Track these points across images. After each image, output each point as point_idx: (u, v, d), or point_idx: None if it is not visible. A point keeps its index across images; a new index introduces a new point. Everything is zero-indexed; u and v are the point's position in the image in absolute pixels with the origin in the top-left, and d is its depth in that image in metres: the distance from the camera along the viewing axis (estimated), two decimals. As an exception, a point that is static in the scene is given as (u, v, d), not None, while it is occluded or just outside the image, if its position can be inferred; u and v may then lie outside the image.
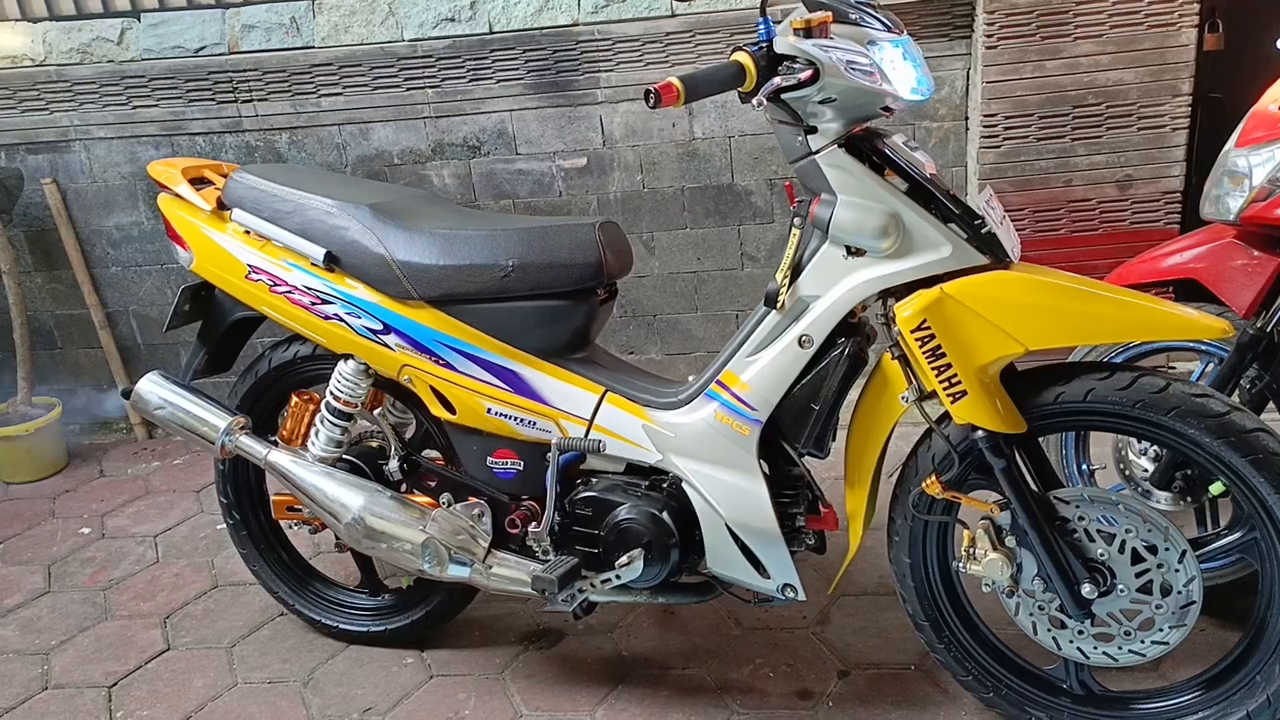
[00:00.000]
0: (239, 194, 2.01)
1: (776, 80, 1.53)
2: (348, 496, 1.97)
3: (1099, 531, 1.65)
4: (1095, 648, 1.70)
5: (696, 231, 3.20)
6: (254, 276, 1.98)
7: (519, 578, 1.94)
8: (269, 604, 2.49)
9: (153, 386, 2.07)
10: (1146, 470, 2.14)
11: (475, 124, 3.15)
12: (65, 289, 3.56)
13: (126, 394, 2.10)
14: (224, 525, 2.91)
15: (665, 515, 1.82)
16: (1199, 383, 1.62)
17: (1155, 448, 2.10)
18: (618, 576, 1.84)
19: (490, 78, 3.08)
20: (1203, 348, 2.10)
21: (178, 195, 2.08)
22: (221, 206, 2.06)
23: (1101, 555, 1.66)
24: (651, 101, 1.48)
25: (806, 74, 1.52)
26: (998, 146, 2.85)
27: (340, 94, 3.15)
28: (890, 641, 2.15)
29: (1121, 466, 2.19)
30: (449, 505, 2.00)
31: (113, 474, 3.44)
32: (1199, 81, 2.73)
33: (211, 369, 2.22)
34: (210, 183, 2.14)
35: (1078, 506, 1.66)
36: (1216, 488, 1.93)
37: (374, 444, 2.19)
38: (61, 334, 3.67)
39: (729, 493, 1.80)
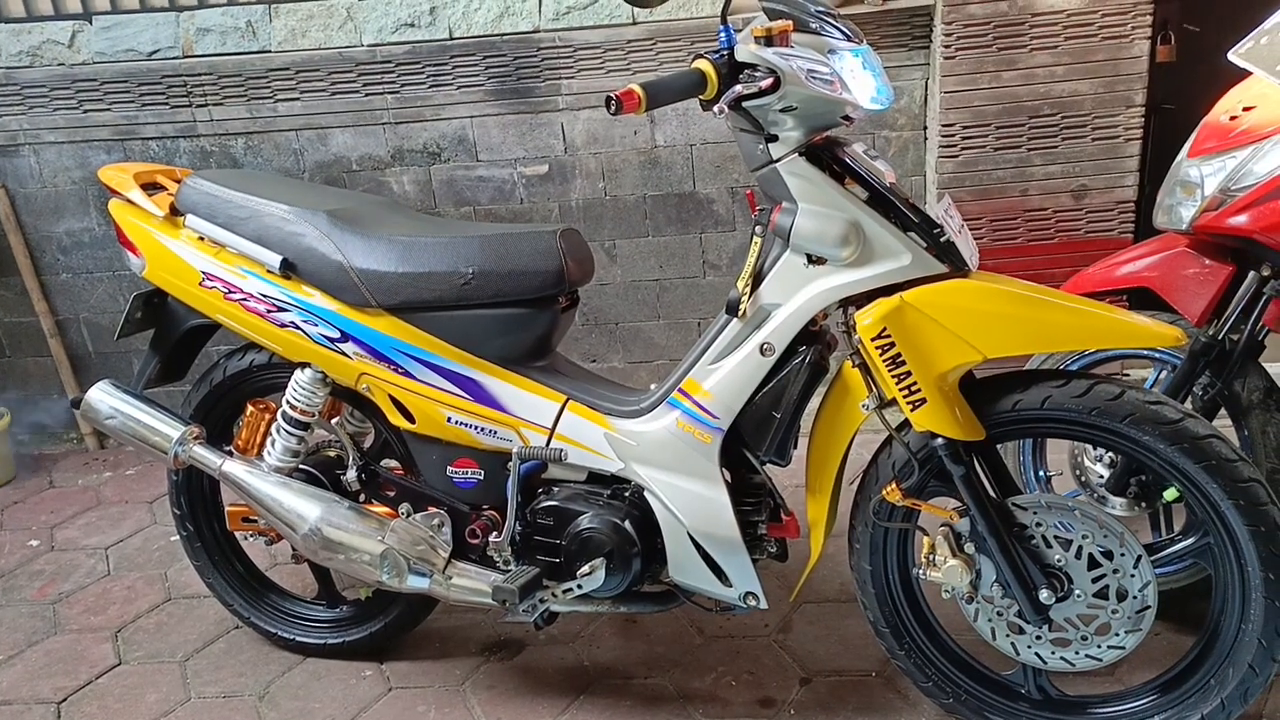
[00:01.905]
0: (193, 200, 1.97)
1: (738, 88, 1.53)
2: (304, 507, 1.94)
3: (1056, 538, 1.67)
4: (1053, 653, 1.72)
5: (658, 239, 3.20)
6: (208, 284, 1.95)
7: (480, 588, 1.92)
8: (224, 617, 2.45)
9: (103, 396, 2.03)
10: (1102, 476, 2.17)
11: (435, 130, 3.12)
12: (14, 296, 3.48)
13: (76, 404, 2.06)
14: (178, 537, 2.89)
15: (627, 524, 1.81)
16: (1153, 390, 1.64)
17: (1111, 454, 2.13)
18: (579, 586, 1.83)
19: (451, 84, 3.06)
20: (1156, 355, 2.13)
21: (129, 201, 2.03)
22: (175, 212, 2.02)
23: (1059, 561, 1.68)
24: (613, 108, 1.48)
25: (767, 82, 1.53)
26: (956, 156, 2.88)
27: (298, 99, 3.12)
28: (851, 648, 2.15)
29: (1078, 473, 2.22)
30: (408, 515, 1.97)
31: (63, 485, 3.37)
32: (1152, 92, 2.78)
33: (164, 378, 2.18)
34: (163, 188, 2.10)
35: (1035, 513, 1.68)
36: (1170, 493, 1.96)
37: (331, 453, 2.15)
38: (10, 342, 3.59)
39: (691, 501, 1.80)
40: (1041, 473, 2.28)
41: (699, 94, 1.56)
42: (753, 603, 1.83)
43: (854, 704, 1.99)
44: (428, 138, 3.13)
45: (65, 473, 3.46)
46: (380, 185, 3.20)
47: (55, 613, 2.57)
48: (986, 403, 1.68)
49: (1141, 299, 2.07)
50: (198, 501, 2.26)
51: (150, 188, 2.07)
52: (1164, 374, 2.14)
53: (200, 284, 1.96)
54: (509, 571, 1.91)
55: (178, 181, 2.11)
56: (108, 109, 3.18)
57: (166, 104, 3.15)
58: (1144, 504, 2.06)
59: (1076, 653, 1.70)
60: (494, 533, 1.92)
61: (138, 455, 3.56)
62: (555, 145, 3.11)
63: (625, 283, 3.26)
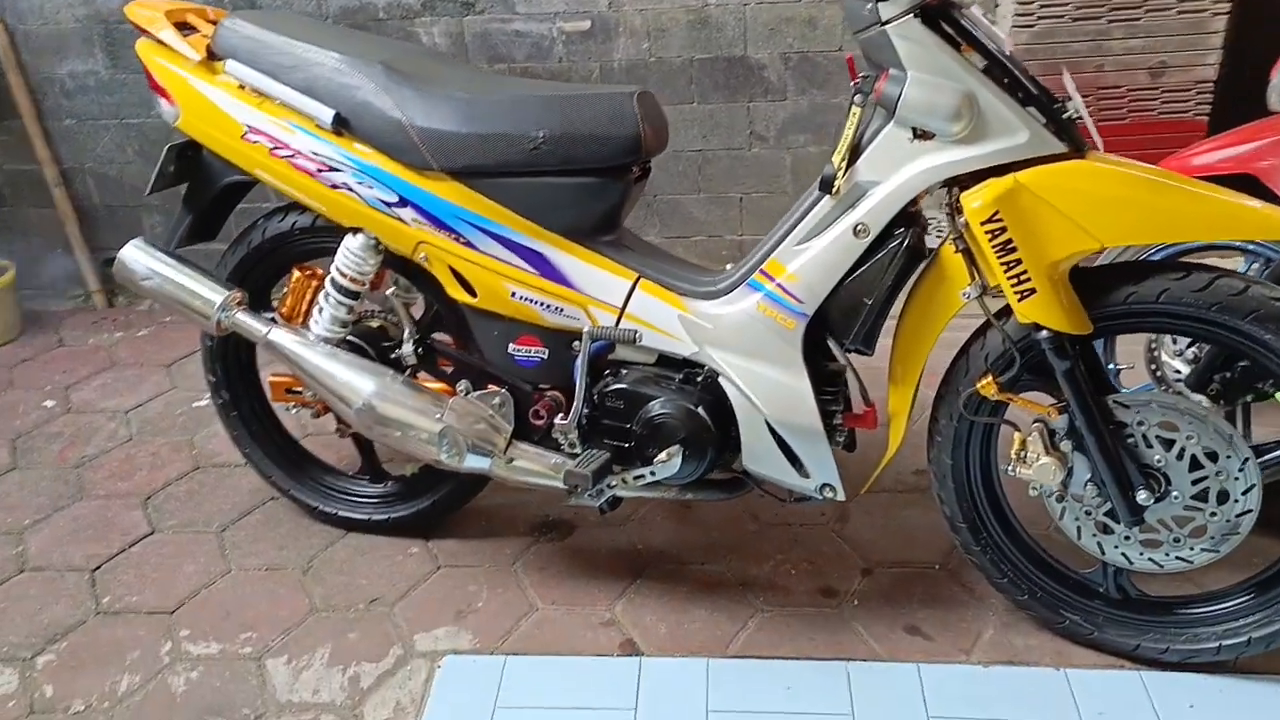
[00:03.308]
0: (232, 44, 1.80)
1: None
2: (359, 380, 1.83)
3: (1158, 437, 1.60)
4: (1141, 553, 1.67)
5: (704, 107, 3.02)
6: (251, 138, 1.80)
7: (543, 470, 1.84)
8: (258, 487, 2.38)
9: (138, 254, 1.89)
10: (1179, 372, 2.10)
11: (470, -24, 2.90)
12: (15, 141, 3.29)
13: (110, 263, 1.92)
14: (201, 403, 2.82)
15: (701, 410, 1.73)
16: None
17: (1194, 349, 2.05)
18: (652, 473, 1.75)
19: (488, -74, 2.83)
20: (1250, 247, 2.03)
21: (160, 41, 1.86)
22: (211, 57, 1.85)
23: (1158, 461, 1.61)
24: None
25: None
26: (1031, 26, 2.69)
27: (321, -63, 2.88)
28: (912, 540, 2.11)
29: (1153, 367, 2.14)
30: (466, 393, 1.88)
31: (73, 344, 3.26)
32: (1247, -35, 2.60)
33: (197, 236, 2.04)
34: (194, 29, 1.92)
35: (1138, 411, 1.60)
36: None
37: (375, 324, 2.05)
38: (11, 191, 3.41)
39: (770, 389, 1.71)
40: (1111, 365, 2.21)
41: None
42: (830, 494, 1.76)
43: (918, 596, 1.95)
44: (462, -15, 2.91)
45: (74, 331, 3.35)
46: (409, 37, 2.98)
47: (79, 477, 2.49)
48: (1096, 295, 1.57)
49: (1241, 188, 1.95)
50: (234, 368, 2.15)
51: (181, 28, 1.89)
52: (1255, 267, 2.05)
53: (243, 137, 1.80)
54: (574, 454, 1.83)
55: (212, 22, 1.94)
56: (112, -60, 2.93)
57: (177, -63, 2.90)
58: (1223, 402, 1.99)
59: (1166, 554, 1.65)
60: (559, 414, 1.83)
61: (150, 315, 3.44)
62: (599, -1, 2.90)
63: (666, 153, 3.08)
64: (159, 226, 3.41)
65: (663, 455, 1.72)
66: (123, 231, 3.40)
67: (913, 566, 2.03)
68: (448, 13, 2.95)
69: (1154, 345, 2.13)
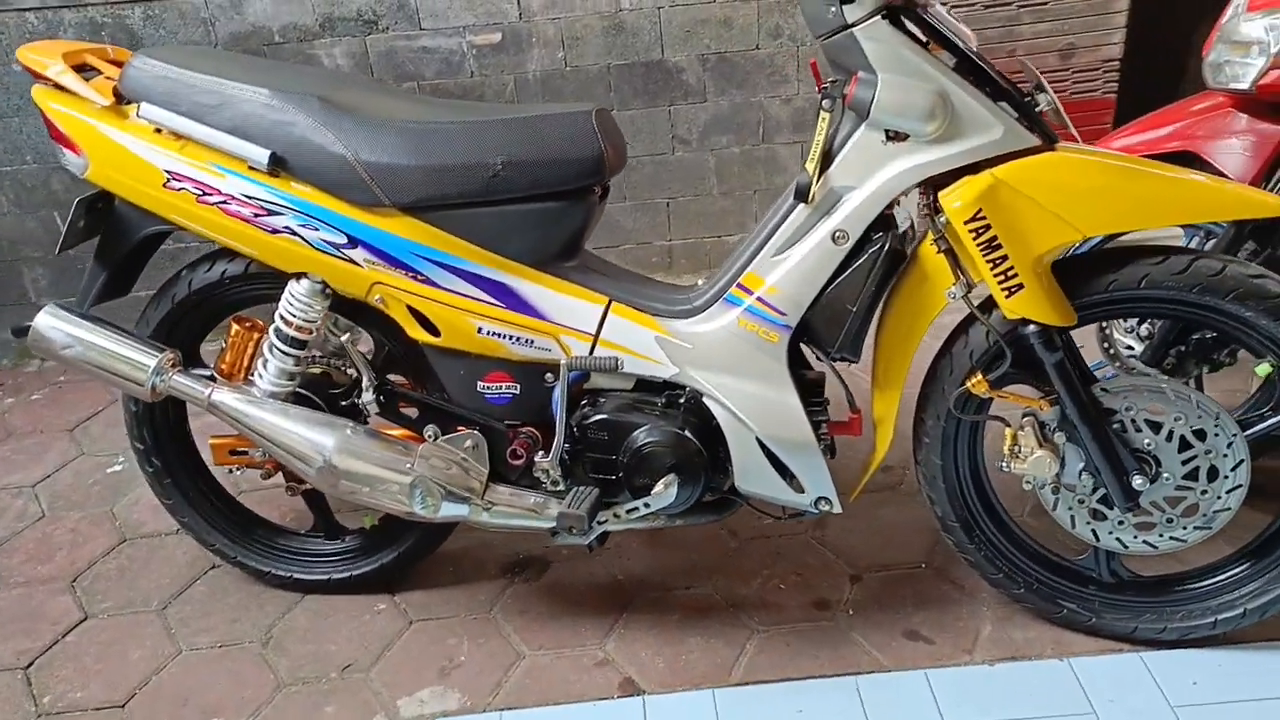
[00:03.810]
0: (144, 84, 1.64)
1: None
2: (318, 437, 1.70)
3: (1146, 421, 1.61)
4: (1135, 537, 1.68)
5: (624, 113, 2.95)
6: (174, 185, 1.65)
7: (525, 511, 1.75)
8: (196, 556, 2.21)
9: (55, 322, 1.71)
10: (1132, 348, 2.13)
11: (370, -6, 2.76)
12: None
13: (20, 333, 1.74)
14: (116, 468, 2.62)
15: (689, 434, 1.66)
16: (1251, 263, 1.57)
17: (1147, 326, 2.09)
18: (646, 505, 1.68)
19: (386, -61, 2.69)
20: (1193, 225, 2.07)
21: (60, 87, 1.69)
22: (119, 100, 1.69)
23: (1148, 445, 1.62)
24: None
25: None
26: (945, 15, 2.71)
27: (205, -41, 2.69)
28: (893, 541, 2.09)
29: (1105, 345, 2.17)
30: (435, 438, 1.77)
31: (-42, 416, 2.99)
32: (1146, -57, 2.67)
33: (110, 293, 1.87)
34: (95, 70, 1.76)
35: (1125, 396, 1.61)
36: (1263, 369, 1.92)
37: (317, 370, 1.91)
38: None
39: (759, 405, 1.65)
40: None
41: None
42: (825, 507, 1.72)
43: (911, 599, 1.93)
44: (362, 3, 2.77)
45: (-43, 402, 3.07)
46: (308, 60, 2.83)
47: (-8, 565, 2.27)
48: (1077, 284, 1.57)
49: (1179, 165, 1.99)
50: (163, 432, 1.98)
51: (80, 70, 1.72)
52: (1195, 242, 2.09)
53: (164, 185, 1.65)
54: (556, 492, 1.74)
55: (114, 63, 1.77)
56: (-31, -26, 2.69)
57: (44, -33, 2.68)
58: (1178, 375, 2.03)
59: (1161, 535, 1.67)
60: (538, 451, 1.73)
61: (41, 376, 3.18)
62: (509, 10, 2.79)
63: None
64: (42, 280, 3.15)
65: (659, 486, 1.65)
66: (0, 289, 3.13)
67: (899, 568, 2.01)
68: (349, 32, 2.80)
69: (1105, 324, 2.16)
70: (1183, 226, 2.11)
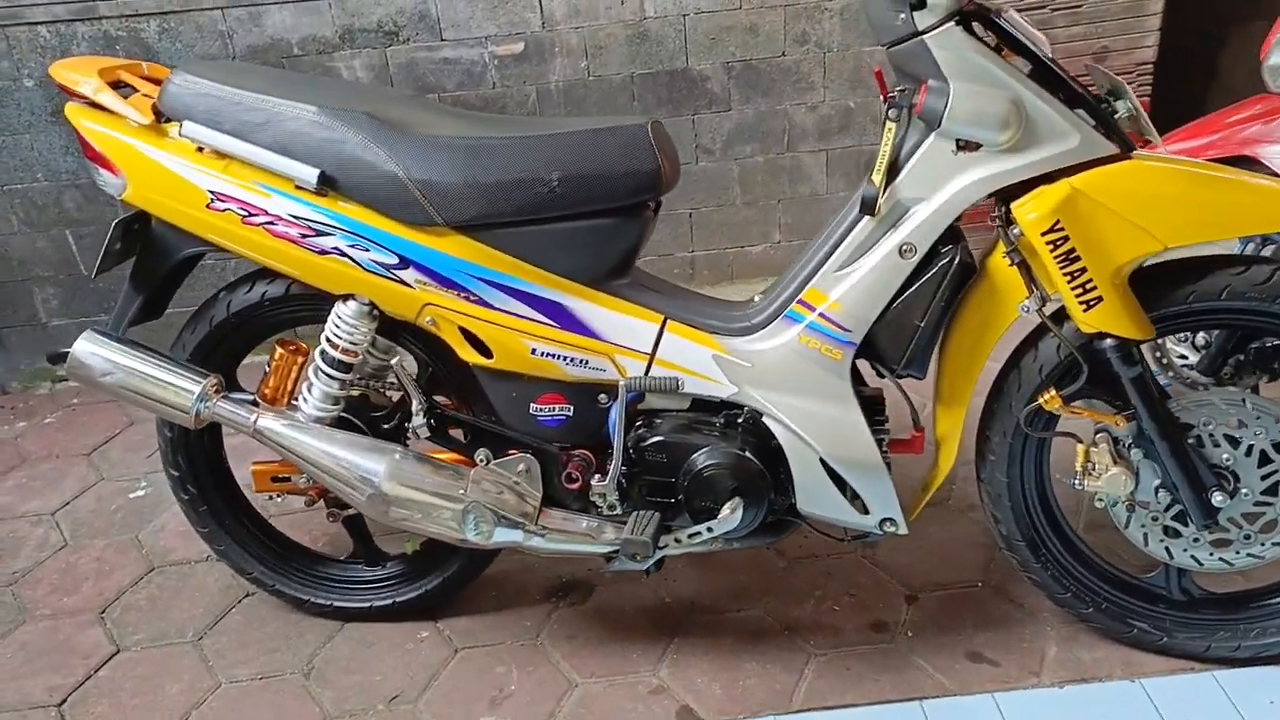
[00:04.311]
0: (186, 102, 1.59)
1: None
2: (367, 463, 1.65)
3: (1225, 436, 1.57)
4: (1211, 554, 1.64)
5: (649, 123, 2.90)
6: (219, 205, 1.59)
7: (580, 536, 1.70)
8: (229, 583, 2.15)
9: (94, 348, 1.65)
10: (1185, 357, 2.09)
11: (392, 4, 2.70)
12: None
13: (56, 359, 1.68)
14: (139, 493, 2.55)
15: (750, 455, 1.61)
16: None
17: (1203, 335, 2.05)
18: (710, 529, 1.63)
19: (408, -51, 2.64)
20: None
21: (96, 104, 1.63)
22: (158, 117, 1.64)
23: (1226, 460, 1.58)
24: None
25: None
26: (977, 20, 2.68)
27: (223, -29, 2.64)
28: (946, 559, 2.04)
29: (1158, 355, 2.13)
30: (487, 462, 1.71)
31: (-30, 440, 2.91)
32: (1180, -54, 2.64)
33: (145, 316, 1.81)
34: (130, 87, 1.70)
35: (1203, 412, 1.57)
36: None
37: (356, 393, 1.85)
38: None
39: (823, 425, 1.61)
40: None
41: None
42: (891, 528, 1.67)
43: (970, 619, 1.88)
44: (383, 14, 2.71)
45: (-32, 425, 3.00)
46: (327, 72, 2.77)
47: (16, 596, 2.20)
48: (1154, 295, 1.53)
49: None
50: (199, 459, 1.92)
51: (115, 87, 1.67)
52: (1250, 247, 2.06)
53: (208, 206, 1.59)
54: (614, 516, 1.69)
55: (146, 79, 1.72)
56: (-19, -12, 2.62)
57: (58, -20, 2.62)
58: (1237, 385, 1.99)
59: (1238, 552, 1.62)
60: (593, 474, 1.68)
61: (53, 399, 3.11)
62: (531, 19, 2.75)
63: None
64: (53, 300, 3.08)
65: (725, 510, 1.60)
66: (10, 310, 3.06)
67: (955, 587, 1.97)
68: (369, 44, 2.75)
69: (1156, 333, 2.12)
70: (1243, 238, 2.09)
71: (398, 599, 1.96)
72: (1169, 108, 2.04)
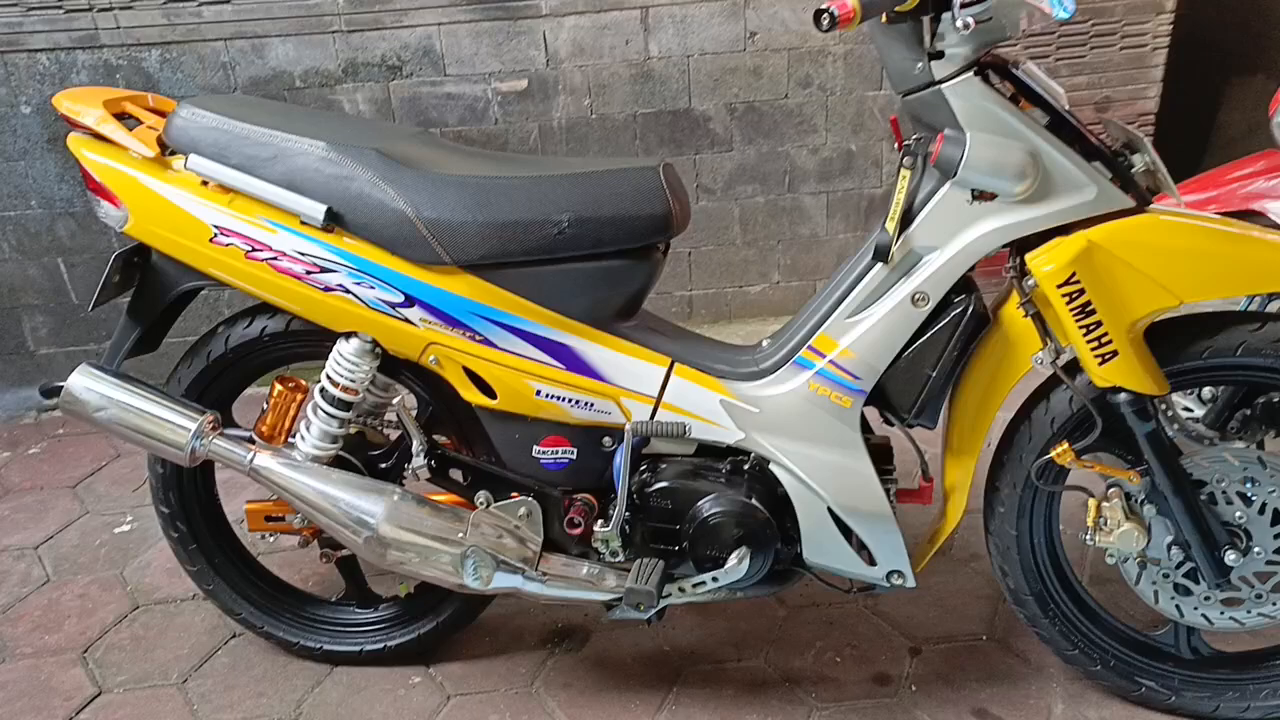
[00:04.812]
0: (192, 136, 1.56)
1: (959, -6, 1.28)
2: (365, 504, 1.61)
3: (1238, 494, 1.55)
4: (1222, 613, 1.61)
5: (650, 162, 2.90)
6: (223, 240, 1.56)
7: (581, 582, 1.66)
8: (215, 624, 2.09)
9: (89, 382, 1.61)
10: (1191, 410, 2.08)
11: (396, 39, 2.70)
12: None
13: (49, 393, 1.64)
14: (124, 528, 2.50)
15: (757, 503, 1.58)
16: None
17: (1209, 389, 2.04)
18: (715, 579, 1.60)
19: (414, -15, 2.64)
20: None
21: (99, 136, 1.61)
22: (163, 150, 1.61)
23: (1239, 518, 1.55)
24: (825, 23, 1.22)
25: (983, -13, 1.28)
26: (980, 68, 2.69)
27: (227, 2, 2.62)
28: (950, 610, 2.01)
29: (1164, 407, 2.12)
30: (487, 505, 1.68)
31: (-48, 469, 2.85)
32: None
33: (140, 349, 1.78)
34: (134, 118, 1.68)
35: (1217, 468, 1.55)
36: None
37: (352, 430, 1.82)
38: None
39: (831, 473, 1.58)
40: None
41: (901, 3, 1.30)
42: (898, 581, 1.64)
43: (975, 674, 1.85)
44: (387, 48, 2.71)
45: (-50, 455, 2.93)
46: (329, 105, 2.76)
47: (-4, 633, 2.14)
48: (1169, 350, 1.52)
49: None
50: (191, 496, 1.87)
51: (119, 119, 1.64)
52: (1255, 302, 2.05)
53: (211, 240, 1.57)
54: (615, 564, 1.66)
55: (151, 110, 1.70)
56: (-18, 14, 2.60)
57: (60, 8, 2.59)
58: (1242, 438, 1.98)
59: (1249, 611, 1.60)
60: (597, 519, 1.65)
61: (38, 429, 3.05)
62: (536, 57, 2.74)
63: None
64: (42, 329, 3.03)
65: (731, 560, 1.57)
66: None
67: (959, 640, 1.93)
68: (372, 78, 2.74)
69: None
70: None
71: (390, 643, 1.91)
72: (1168, 159, 2.04)
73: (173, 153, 1.61)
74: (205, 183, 1.58)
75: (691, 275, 3.10)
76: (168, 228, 1.58)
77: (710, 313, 3.19)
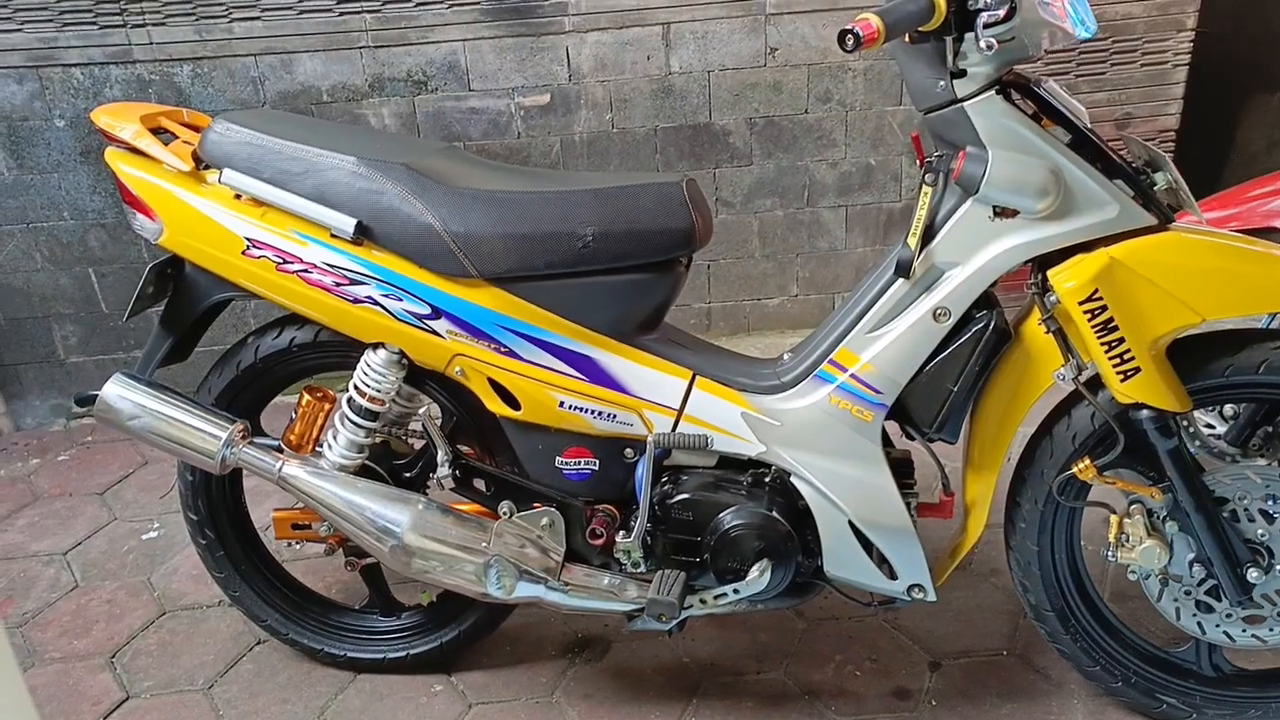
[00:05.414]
0: (227, 150, 1.60)
1: (984, 16, 1.30)
2: (391, 513, 1.64)
3: (1260, 511, 1.55)
4: (1244, 630, 1.61)
5: (672, 176, 2.93)
6: (255, 252, 1.59)
7: (602, 593, 1.68)
8: (241, 630, 2.12)
9: (123, 391, 1.64)
10: (1213, 427, 2.08)
11: (422, 55, 2.74)
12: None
13: (83, 401, 1.67)
14: (151, 534, 2.53)
15: (778, 515, 1.60)
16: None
17: (1231, 406, 2.03)
18: (736, 590, 1.61)
19: (440, 1, 2.67)
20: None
21: (136, 150, 1.64)
22: (198, 164, 1.65)
23: (1261, 535, 1.56)
24: (850, 44, 1.24)
25: (1005, 9, 1.30)
26: (1001, 84, 2.71)
27: (258, 18, 2.67)
28: (971, 625, 2.01)
29: (1185, 423, 2.12)
30: (511, 515, 1.70)
31: (-17, 476, 2.90)
32: (1203, 16, 2.67)
33: (172, 358, 1.81)
34: (170, 133, 1.71)
35: (1239, 485, 1.55)
36: None
37: (378, 440, 1.84)
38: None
39: (852, 487, 1.59)
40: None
41: (924, 23, 1.32)
42: (919, 595, 1.65)
43: (995, 689, 1.85)
44: (413, 64, 2.75)
45: (-20, 462, 2.98)
46: (356, 119, 2.80)
47: (25, 638, 2.17)
48: (1191, 367, 1.52)
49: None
50: (219, 503, 1.90)
51: (155, 133, 1.68)
52: (1277, 320, 2.05)
53: (244, 253, 1.60)
54: (637, 575, 1.68)
55: (186, 126, 1.73)
56: (19, 29, 2.65)
57: (94, 24, 2.64)
58: (1265, 455, 1.97)
59: (1271, 629, 1.60)
60: (618, 530, 1.67)
61: (67, 437, 3.10)
62: (559, 72, 2.78)
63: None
64: (72, 338, 3.08)
65: (753, 572, 1.58)
66: (28, 346, 3.06)
67: (979, 655, 1.93)
68: (397, 92, 2.78)
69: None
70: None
71: (412, 651, 1.93)
72: (1188, 176, 2.05)
73: (207, 167, 1.64)
74: (238, 196, 1.61)
75: (710, 288, 3.12)
76: (201, 240, 1.61)
77: (729, 325, 3.20)
